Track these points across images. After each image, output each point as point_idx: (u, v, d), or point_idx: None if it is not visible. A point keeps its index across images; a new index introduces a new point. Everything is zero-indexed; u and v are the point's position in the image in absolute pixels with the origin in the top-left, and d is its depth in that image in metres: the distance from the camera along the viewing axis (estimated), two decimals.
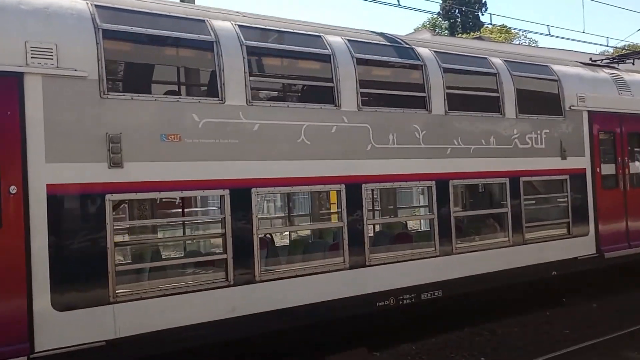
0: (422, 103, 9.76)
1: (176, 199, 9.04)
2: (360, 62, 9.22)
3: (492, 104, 10.74)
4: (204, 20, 8.06)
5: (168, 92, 8.08)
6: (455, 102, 10.10)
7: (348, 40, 9.23)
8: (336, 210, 9.07)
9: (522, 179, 10.97)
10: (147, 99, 7.31)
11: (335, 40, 9.08)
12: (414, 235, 11.39)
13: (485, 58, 11.06)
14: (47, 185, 6.58)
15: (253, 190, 7.93)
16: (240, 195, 7.77)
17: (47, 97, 6.62)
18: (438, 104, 9.83)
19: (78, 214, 6.84)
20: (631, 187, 12.77)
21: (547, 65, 12.10)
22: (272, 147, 8.16)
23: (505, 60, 11.27)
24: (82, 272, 6.75)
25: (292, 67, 9.45)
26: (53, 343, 6.51)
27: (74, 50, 6.82)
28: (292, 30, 8.84)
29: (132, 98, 7.16)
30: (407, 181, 9.71)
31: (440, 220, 9.76)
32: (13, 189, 6.41)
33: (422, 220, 13.41)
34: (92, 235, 6.83)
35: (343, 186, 8.80)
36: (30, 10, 6.71)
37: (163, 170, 7.30)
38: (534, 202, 11.59)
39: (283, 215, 12.42)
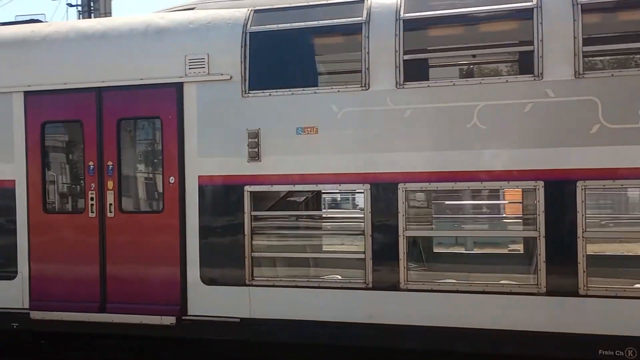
0: None
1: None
2: (587, 8, 6.56)
3: None
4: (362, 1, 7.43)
5: (308, 84, 7.67)
6: None
7: None
8: (529, 215, 6.76)
9: None
10: (283, 93, 7.50)
11: None
12: None
13: None
14: (199, 176, 7.68)
15: (400, 185, 7.03)
16: (386, 189, 7.10)
17: (200, 101, 7.69)
18: None
19: (222, 202, 7.70)
20: None
21: None
22: (427, 136, 7.02)
23: None
24: (224, 254, 7.66)
25: (466, 36, 7.71)
26: (200, 311, 7.68)
27: (221, 57, 7.68)
28: None
29: (269, 94, 7.52)
30: None
31: None
32: (172, 180, 7.76)
33: None
34: (232, 221, 7.62)
35: (541, 183, 6.62)
36: (194, 28, 7.88)
37: (298, 163, 7.46)
38: None
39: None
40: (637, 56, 7.37)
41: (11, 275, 8.26)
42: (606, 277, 6.86)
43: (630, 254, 7.54)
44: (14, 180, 8.26)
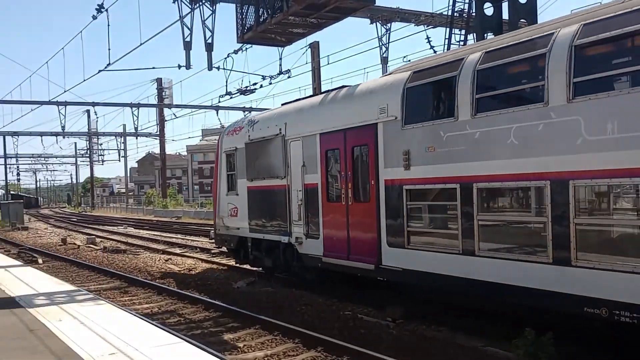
0: None
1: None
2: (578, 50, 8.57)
3: None
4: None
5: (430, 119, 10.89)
6: None
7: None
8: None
9: None
10: (422, 125, 10.92)
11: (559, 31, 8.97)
12: None
13: None
14: (385, 179, 11.76)
15: (474, 184, 9.82)
16: (466, 188, 9.92)
17: (384, 133, 11.76)
18: None
19: (394, 196, 11.53)
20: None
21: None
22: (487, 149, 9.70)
23: None
24: (396, 228, 11.49)
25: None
26: (386, 262, 11.78)
27: (392, 105, 11.53)
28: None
29: (413, 127, 11.11)
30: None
31: None
32: (372, 182, 12.06)
33: None
34: (399, 208, 11.41)
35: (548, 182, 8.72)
36: (381, 89, 12.12)
37: (428, 171, 10.75)
38: None
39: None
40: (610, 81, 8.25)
41: (316, 236, 13.91)
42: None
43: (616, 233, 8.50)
44: (317, 183, 13.84)
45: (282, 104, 16.28)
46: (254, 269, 17.20)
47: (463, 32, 17.58)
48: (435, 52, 20.35)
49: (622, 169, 7.70)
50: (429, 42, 21.17)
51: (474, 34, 16.84)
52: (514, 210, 9.80)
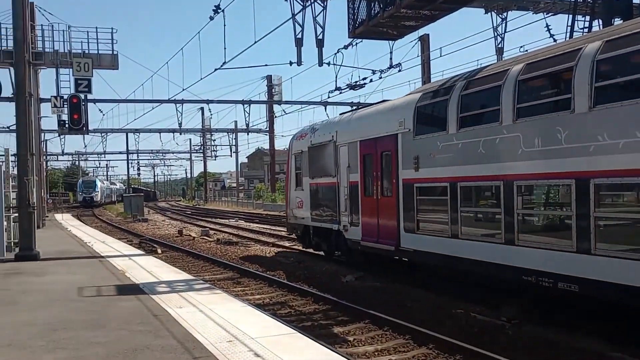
0: None
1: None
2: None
3: None
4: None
5: (432, 132, 13.56)
6: None
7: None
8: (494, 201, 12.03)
9: None
10: (426, 136, 13.58)
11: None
12: None
13: None
14: (402, 179, 14.51)
15: (458, 184, 12.49)
16: (453, 186, 12.61)
17: (402, 142, 14.50)
18: None
19: (407, 193, 14.36)
20: None
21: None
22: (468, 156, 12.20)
23: None
24: (410, 217, 14.27)
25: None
26: (403, 244, 14.58)
27: (408, 120, 14.33)
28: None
29: (420, 138, 13.86)
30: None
31: None
32: (394, 180, 14.85)
33: None
34: (411, 201, 14.17)
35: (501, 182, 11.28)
36: (400, 106, 15.01)
37: (431, 172, 13.42)
38: None
39: None
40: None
41: (357, 224, 16.92)
42: None
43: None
44: (357, 181, 16.82)
45: (340, 114, 20.17)
46: (318, 252, 20.61)
47: (587, 18, 16.56)
48: (555, 40, 19.37)
49: (543, 173, 10.35)
50: (548, 30, 20.16)
51: (599, 20, 15.85)
52: (483, 204, 12.41)
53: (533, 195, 11.12)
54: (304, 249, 21.71)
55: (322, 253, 20.24)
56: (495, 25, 22.23)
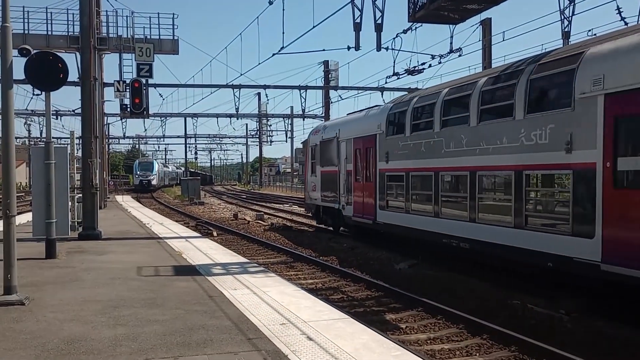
0: None
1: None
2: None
3: None
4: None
5: (399, 134, 18.10)
6: None
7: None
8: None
9: None
10: (394, 137, 18.13)
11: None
12: None
13: None
14: (379, 169, 18.95)
15: (410, 173, 17.07)
16: (407, 175, 17.27)
17: (379, 141, 19.15)
18: None
19: (382, 179, 18.79)
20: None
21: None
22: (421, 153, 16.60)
23: None
24: (382, 198, 18.80)
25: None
26: (378, 219, 19.09)
27: (382, 122, 19.02)
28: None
29: (389, 138, 18.44)
30: None
31: None
32: (373, 170, 19.34)
33: None
34: (384, 186, 18.71)
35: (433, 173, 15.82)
36: (381, 112, 19.58)
37: (397, 164, 17.88)
38: None
39: None
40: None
41: (350, 204, 21.44)
42: None
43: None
44: (351, 170, 21.57)
45: (347, 114, 24.72)
46: (327, 227, 25.11)
47: None
48: (626, 24, 18.57)
49: (453, 167, 14.69)
50: (619, 13, 19.34)
51: None
52: (423, 188, 16.40)
53: (448, 183, 15.28)
54: (317, 225, 26.44)
55: (331, 228, 24.77)
56: (562, 7, 21.46)
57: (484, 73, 15.56)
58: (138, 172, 79.76)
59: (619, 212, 9.57)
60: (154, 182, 78.91)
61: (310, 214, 28.87)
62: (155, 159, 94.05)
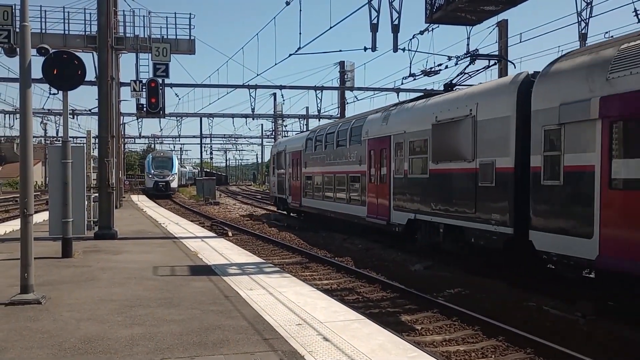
0: None
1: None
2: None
3: None
4: None
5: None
6: None
7: None
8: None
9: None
10: (311, 153, 28.67)
11: None
12: None
13: None
14: (303, 172, 29.80)
15: (334, 175, 25.48)
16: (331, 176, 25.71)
17: (303, 154, 29.82)
18: None
19: (307, 179, 29.29)
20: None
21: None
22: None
23: None
24: (305, 191, 29.37)
25: None
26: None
27: (306, 142, 30.04)
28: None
29: (307, 153, 29.32)
30: None
31: None
32: (299, 173, 30.29)
33: None
34: (301, 181, 30.14)
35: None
36: (304, 136, 31.64)
37: (311, 169, 28.75)
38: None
39: None
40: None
41: (289, 195, 32.55)
42: None
43: None
44: (290, 172, 32.39)
45: (295, 133, 40.48)
46: (282, 211, 35.55)
47: None
48: None
49: (339, 171, 24.22)
50: (637, 15, 19.16)
51: None
52: (322, 183, 25.70)
53: (328, 180, 25.57)
54: (279, 211, 36.24)
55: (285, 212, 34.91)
56: (579, 9, 21.28)
57: (341, 120, 28.53)
58: (153, 171, 61.23)
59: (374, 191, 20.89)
60: (173, 184, 61.73)
61: (273, 203, 39.24)
62: (172, 150, 77.89)
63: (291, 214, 33.77)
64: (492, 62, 16.65)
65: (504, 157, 12.88)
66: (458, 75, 16.56)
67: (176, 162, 64.47)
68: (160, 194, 58.32)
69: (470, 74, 16.29)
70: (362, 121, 21.97)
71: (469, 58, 15.98)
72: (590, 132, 10.22)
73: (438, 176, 15.83)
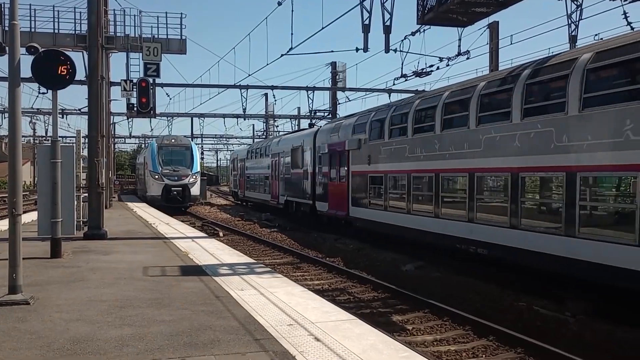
0: None
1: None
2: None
3: None
4: None
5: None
6: None
7: None
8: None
9: None
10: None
11: None
12: None
13: None
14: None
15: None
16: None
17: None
18: None
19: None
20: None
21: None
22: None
23: None
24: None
25: None
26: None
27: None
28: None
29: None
30: None
31: None
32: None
33: None
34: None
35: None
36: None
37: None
38: None
39: None
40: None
41: (246, 190, 46.21)
42: None
43: None
44: (249, 174, 44.85)
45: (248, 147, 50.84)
46: (238, 202, 49.30)
47: None
48: (632, 29, 18.49)
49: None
50: (625, 18, 19.26)
51: None
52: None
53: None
54: (236, 202, 49.56)
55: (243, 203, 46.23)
56: (569, 12, 21.36)
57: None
58: (160, 169, 39.24)
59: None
60: (194, 190, 39.84)
61: (232, 195, 52.31)
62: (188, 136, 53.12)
63: (242, 203, 47.79)
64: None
65: (311, 166, 27.64)
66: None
67: (197, 155, 42.08)
68: (175, 206, 37.76)
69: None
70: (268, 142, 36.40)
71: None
72: (325, 157, 25.09)
73: (293, 175, 30.80)
